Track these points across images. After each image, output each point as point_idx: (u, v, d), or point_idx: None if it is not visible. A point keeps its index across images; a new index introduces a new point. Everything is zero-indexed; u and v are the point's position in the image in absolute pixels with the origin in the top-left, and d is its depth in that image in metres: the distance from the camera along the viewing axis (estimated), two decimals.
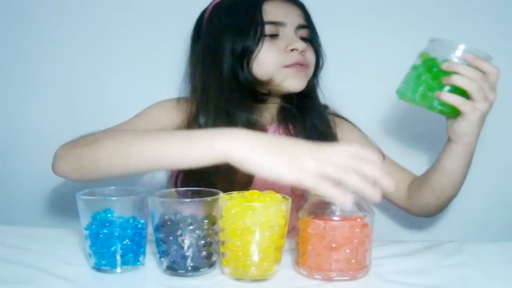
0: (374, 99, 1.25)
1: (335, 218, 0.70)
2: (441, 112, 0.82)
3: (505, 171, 1.28)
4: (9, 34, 1.32)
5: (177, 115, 1.02)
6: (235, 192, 0.73)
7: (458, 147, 0.87)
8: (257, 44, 0.97)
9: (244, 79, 0.99)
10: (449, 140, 0.89)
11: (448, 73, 0.79)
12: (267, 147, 0.67)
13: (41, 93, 1.32)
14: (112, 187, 0.77)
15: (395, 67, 1.27)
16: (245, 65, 0.98)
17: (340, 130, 1.09)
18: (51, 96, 1.32)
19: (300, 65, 0.99)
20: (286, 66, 0.98)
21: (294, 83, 0.99)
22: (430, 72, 0.80)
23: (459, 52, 0.80)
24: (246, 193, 0.72)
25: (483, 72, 0.80)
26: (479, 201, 1.27)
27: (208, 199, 0.72)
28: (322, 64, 1.08)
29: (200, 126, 0.99)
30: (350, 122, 1.11)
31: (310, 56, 1.02)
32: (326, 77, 1.12)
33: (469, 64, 0.79)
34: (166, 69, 1.14)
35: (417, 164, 1.12)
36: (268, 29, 0.98)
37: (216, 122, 0.97)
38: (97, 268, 0.73)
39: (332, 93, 1.13)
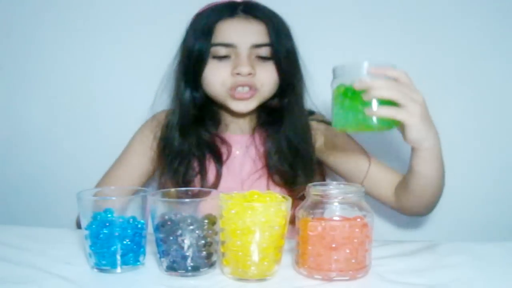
0: None
1: (335, 218, 0.70)
2: (381, 128, 0.79)
3: (505, 171, 1.28)
4: (10, 34, 1.32)
5: (152, 135, 1.07)
6: (235, 192, 0.73)
7: (422, 152, 0.85)
8: (204, 65, 1.00)
9: (197, 95, 1.04)
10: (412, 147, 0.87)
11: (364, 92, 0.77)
12: None
13: (41, 93, 1.33)
14: (112, 187, 0.78)
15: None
16: (196, 83, 1.02)
17: (325, 136, 1.08)
18: (52, 97, 1.32)
19: (247, 87, 0.99)
20: (230, 90, 0.99)
21: (237, 106, 1.01)
22: (348, 96, 0.78)
23: (364, 69, 0.78)
24: (246, 193, 0.72)
25: (394, 79, 0.79)
26: (479, 201, 1.27)
27: (208, 199, 0.72)
28: (292, 78, 1.04)
29: (164, 139, 1.04)
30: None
31: (264, 77, 1.00)
32: (314, 83, 1.11)
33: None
34: (156, 73, 1.14)
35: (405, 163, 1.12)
36: (217, 51, 0.99)
37: (175, 135, 1.03)
38: (97, 268, 0.73)
39: (320, 97, 1.13)
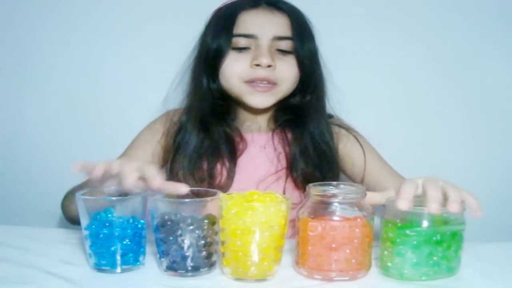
0: (377, 102, 1.26)
1: (335, 218, 0.70)
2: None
3: (505, 171, 1.28)
4: (10, 34, 1.32)
5: (162, 130, 1.05)
6: (235, 192, 0.73)
7: None
8: (224, 56, 0.97)
9: (215, 90, 1.01)
10: None
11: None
12: None
13: (42, 93, 1.33)
14: (112, 187, 0.77)
15: (399, 72, 1.28)
16: (215, 77, 1.00)
17: (344, 144, 1.06)
18: (52, 97, 1.33)
19: (266, 82, 0.97)
20: (247, 82, 0.97)
21: (254, 100, 0.99)
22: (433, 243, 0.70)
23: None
24: (246, 193, 0.72)
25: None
26: (479, 202, 1.27)
27: (209, 199, 0.72)
28: (313, 76, 1.03)
29: (180, 136, 1.02)
30: (353, 135, 1.07)
31: (284, 71, 0.98)
32: (332, 84, 1.10)
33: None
34: (168, 71, 1.14)
35: (417, 166, 1.12)
36: (238, 42, 0.97)
37: (193, 130, 1.00)
38: (97, 268, 0.73)
39: (340, 99, 1.12)
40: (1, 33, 1.32)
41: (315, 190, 0.72)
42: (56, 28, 1.31)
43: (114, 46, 1.30)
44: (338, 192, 0.72)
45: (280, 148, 1.03)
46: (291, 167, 1.01)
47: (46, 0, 1.30)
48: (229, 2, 1.03)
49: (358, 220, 0.70)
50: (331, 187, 0.74)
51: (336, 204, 0.71)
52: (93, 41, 1.30)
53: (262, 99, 0.99)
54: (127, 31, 1.29)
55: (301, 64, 1.00)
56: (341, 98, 1.12)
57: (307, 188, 0.73)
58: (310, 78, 1.02)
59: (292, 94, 1.03)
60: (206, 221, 0.71)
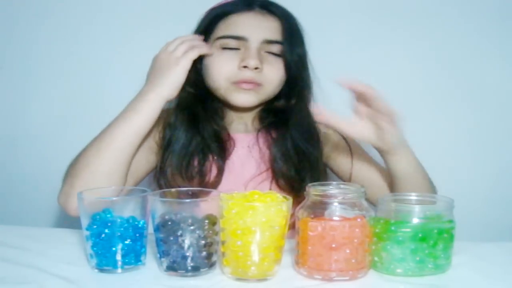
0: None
1: (335, 218, 0.70)
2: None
3: (505, 171, 1.28)
4: (11, 33, 1.32)
5: (155, 127, 1.02)
6: (235, 192, 0.73)
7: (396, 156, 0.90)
8: (209, 57, 0.98)
9: (202, 89, 1.02)
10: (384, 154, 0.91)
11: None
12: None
13: (42, 94, 1.33)
14: (113, 187, 0.78)
15: (390, 73, 1.28)
16: (201, 77, 1.01)
17: (331, 143, 1.07)
18: (52, 97, 1.33)
19: (250, 83, 0.98)
20: (234, 83, 0.98)
21: (239, 99, 0.99)
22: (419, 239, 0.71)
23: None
24: (247, 193, 0.72)
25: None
26: (479, 202, 1.27)
27: (209, 199, 0.72)
28: (299, 80, 1.03)
29: (169, 134, 1.01)
30: (340, 134, 1.06)
31: (270, 73, 0.99)
32: (319, 88, 1.09)
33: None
34: None
35: None
36: (228, 43, 0.98)
37: (182, 128, 1.00)
38: (99, 268, 0.73)
39: (327, 103, 1.12)
40: (2, 32, 1.32)
41: (314, 190, 0.72)
42: (55, 29, 1.31)
43: (106, 48, 1.30)
44: (337, 192, 0.72)
45: (264, 149, 1.04)
46: (272, 169, 1.02)
47: (47, 0, 1.30)
48: (223, 2, 1.04)
49: (358, 220, 0.70)
50: (331, 187, 0.74)
51: (336, 204, 0.71)
52: (98, 43, 1.30)
53: (246, 97, 0.99)
54: (123, 31, 1.29)
55: (288, 68, 1.01)
56: (329, 103, 1.12)
57: (306, 188, 0.73)
58: (296, 82, 1.03)
59: (277, 97, 1.04)
60: (206, 221, 0.71)
